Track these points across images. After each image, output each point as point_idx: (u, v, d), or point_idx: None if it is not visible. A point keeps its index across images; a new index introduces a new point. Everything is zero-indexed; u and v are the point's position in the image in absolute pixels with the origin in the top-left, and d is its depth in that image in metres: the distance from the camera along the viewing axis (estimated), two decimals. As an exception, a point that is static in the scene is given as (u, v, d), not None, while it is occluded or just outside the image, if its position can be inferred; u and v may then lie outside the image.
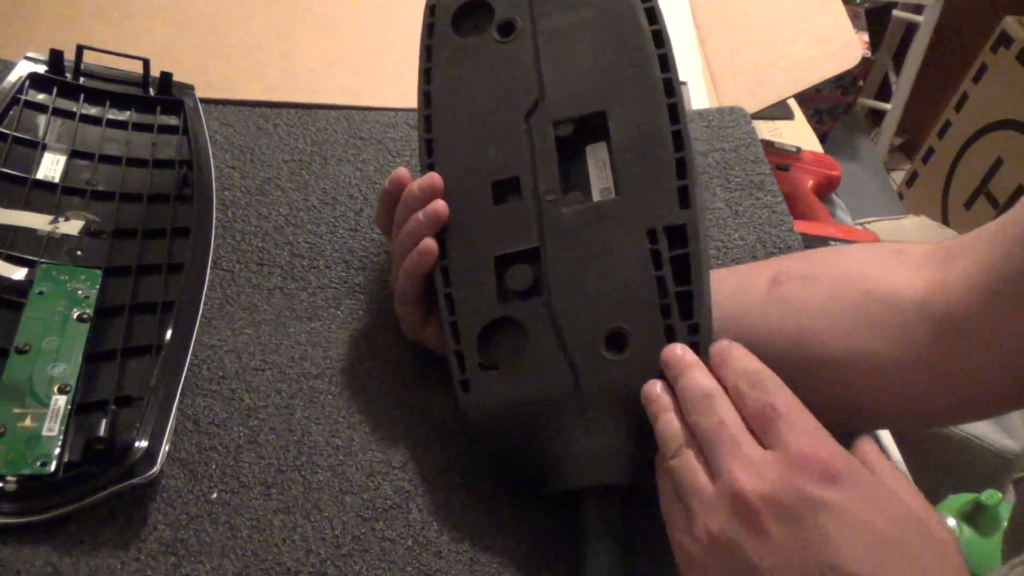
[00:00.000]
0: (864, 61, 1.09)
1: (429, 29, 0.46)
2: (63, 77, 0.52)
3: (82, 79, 0.53)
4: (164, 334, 0.41)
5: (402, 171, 0.44)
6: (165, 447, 0.36)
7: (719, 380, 0.34)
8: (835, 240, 0.72)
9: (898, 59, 1.73)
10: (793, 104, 0.89)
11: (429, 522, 0.39)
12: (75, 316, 0.40)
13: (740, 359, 0.35)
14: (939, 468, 0.82)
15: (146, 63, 0.54)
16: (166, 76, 0.54)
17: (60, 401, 0.37)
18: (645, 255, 0.38)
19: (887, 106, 1.70)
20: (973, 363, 0.36)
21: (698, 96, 0.73)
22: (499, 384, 0.39)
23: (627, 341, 0.37)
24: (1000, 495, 0.75)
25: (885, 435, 0.49)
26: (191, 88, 0.56)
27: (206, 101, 0.57)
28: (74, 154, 0.49)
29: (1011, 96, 1.46)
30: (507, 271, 0.40)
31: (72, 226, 0.44)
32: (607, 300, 0.38)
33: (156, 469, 0.35)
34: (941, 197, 1.63)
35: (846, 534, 0.28)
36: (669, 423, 0.34)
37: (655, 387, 0.36)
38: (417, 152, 0.58)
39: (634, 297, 0.38)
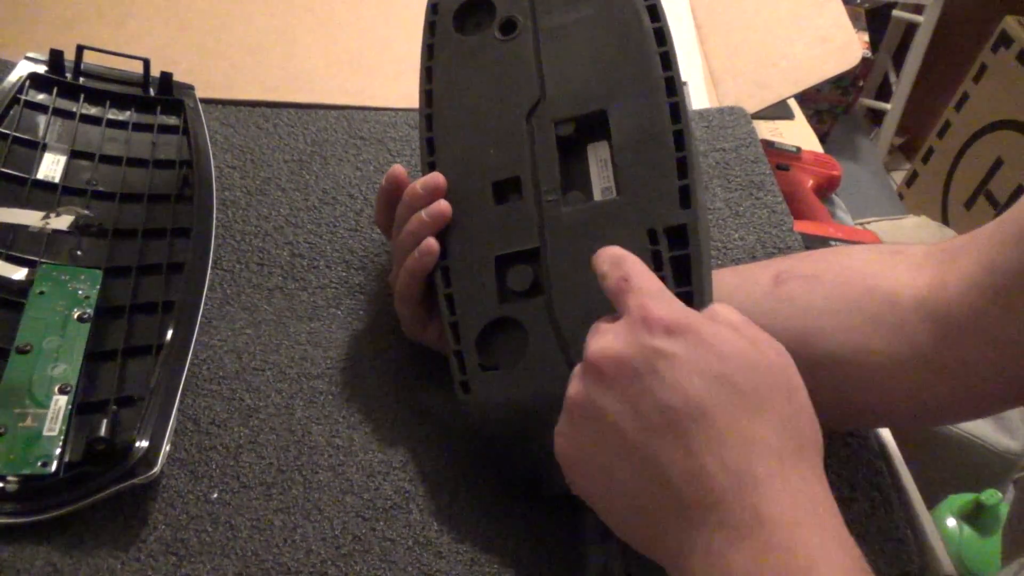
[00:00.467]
0: (864, 61, 1.09)
1: (431, 27, 0.46)
2: (63, 77, 0.52)
3: (82, 79, 0.53)
4: (165, 334, 0.41)
5: (398, 168, 0.44)
6: (166, 447, 0.36)
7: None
8: (835, 240, 0.72)
9: (898, 59, 1.73)
10: (793, 104, 0.89)
11: (430, 522, 0.39)
12: (76, 316, 0.40)
13: (607, 250, 0.36)
14: (939, 468, 0.82)
15: (146, 63, 0.54)
16: (166, 76, 0.54)
17: (61, 401, 0.37)
18: (645, 255, 0.38)
19: (887, 106, 1.71)
20: (973, 361, 0.37)
21: (698, 96, 0.73)
22: (499, 384, 0.39)
23: None
24: (1000, 495, 0.75)
25: (886, 435, 0.49)
26: (191, 88, 0.56)
27: (206, 101, 0.57)
28: (74, 154, 0.49)
29: (1011, 96, 1.46)
30: (508, 271, 0.40)
31: (63, 221, 0.44)
32: (607, 301, 0.38)
33: (157, 469, 0.35)
34: (941, 197, 1.63)
35: (678, 375, 0.30)
36: None
37: None
38: (415, 151, 0.58)
39: None
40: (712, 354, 0.31)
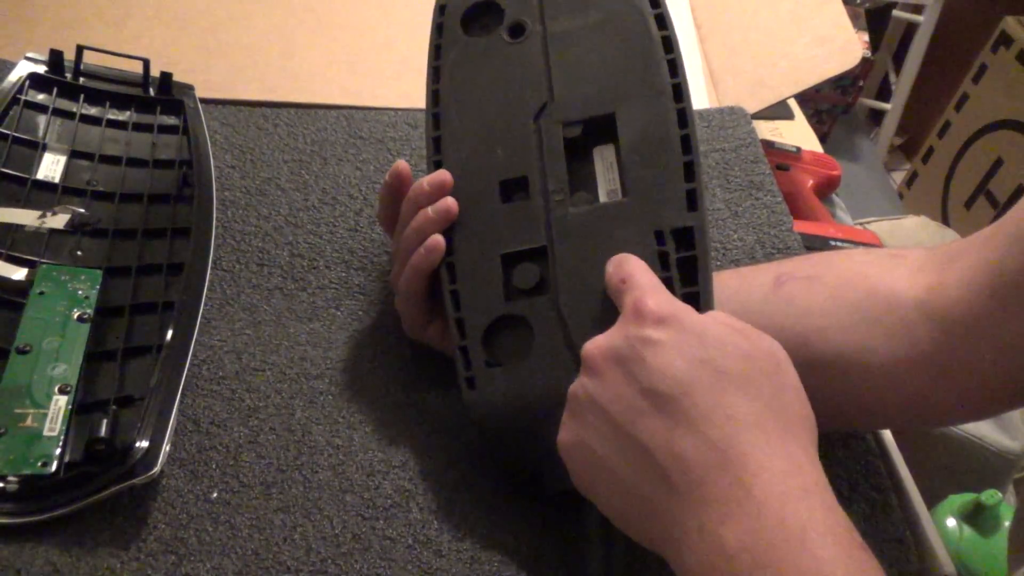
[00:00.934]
0: (864, 61, 1.09)
1: (439, 28, 0.46)
2: (63, 77, 0.52)
3: (82, 79, 0.53)
4: (164, 334, 0.41)
5: (402, 164, 0.44)
6: (166, 447, 0.36)
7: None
8: (835, 240, 0.72)
9: (898, 59, 1.73)
10: (793, 104, 0.89)
11: (429, 521, 0.39)
12: (76, 316, 0.40)
13: (618, 255, 0.37)
14: (939, 468, 0.82)
15: (146, 63, 0.54)
16: (166, 76, 0.54)
17: (61, 401, 0.37)
18: (652, 256, 0.38)
19: (887, 106, 1.70)
20: (973, 362, 0.37)
21: (698, 96, 0.73)
22: (504, 381, 0.39)
23: None
24: (1000, 495, 0.75)
25: (885, 435, 0.49)
26: (191, 88, 0.56)
27: (206, 101, 0.57)
28: (74, 154, 0.49)
29: (1011, 96, 1.46)
30: (514, 269, 0.40)
31: (59, 220, 0.44)
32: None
33: (157, 469, 0.35)
34: (941, 197, 1.63)
35: (661, 359, 0.31)
36: None
37: None
38: (416, 151, 0.58)
39: None
40: (696, 339, 0.32)
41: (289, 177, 0.54)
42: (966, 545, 0.75)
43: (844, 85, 1.29)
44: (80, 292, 0.42)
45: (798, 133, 0.87)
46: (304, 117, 0.59)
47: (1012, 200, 1.41)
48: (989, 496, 0.74)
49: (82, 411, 0.38)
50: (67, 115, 0.51)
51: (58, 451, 0.36)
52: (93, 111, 0.52)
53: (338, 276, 0.50)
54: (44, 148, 0.48)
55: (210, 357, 0.43)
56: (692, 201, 0.39)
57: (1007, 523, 0.75)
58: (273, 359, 0.44)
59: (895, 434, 0.50)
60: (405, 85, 0.64)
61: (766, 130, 0.85)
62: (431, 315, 0.44)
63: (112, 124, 0.52)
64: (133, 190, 0.48)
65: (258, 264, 0.49)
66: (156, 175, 0.50)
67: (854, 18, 0.95)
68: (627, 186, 0.40)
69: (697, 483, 0.29)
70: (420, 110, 0.61)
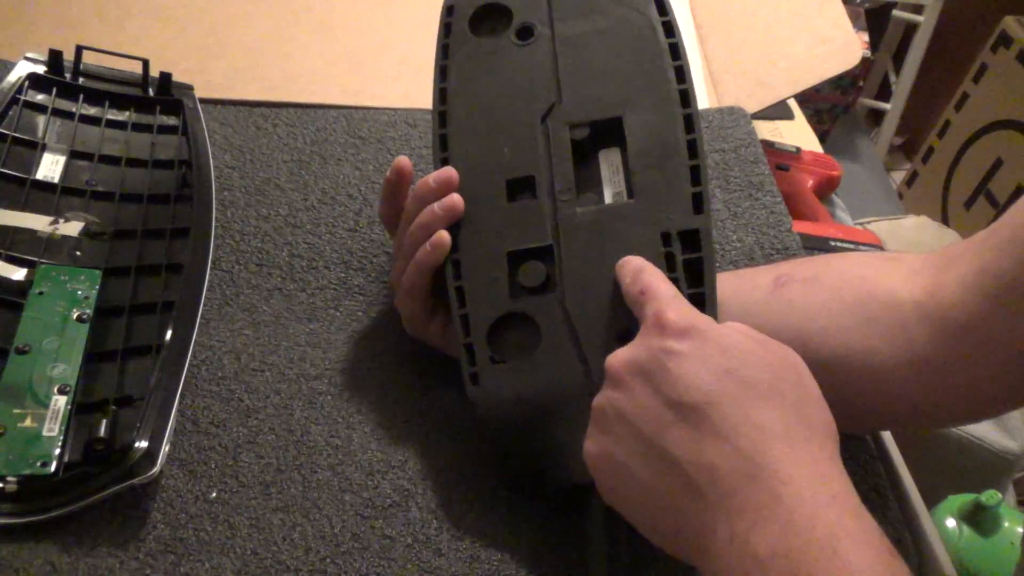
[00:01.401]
0: (864, 61, 1.09)
1: (446, 28, 0.47)
2: (62, 77, 0.52)
3: (81, 79, 0.53)
4: (164, 334, 0.41)
5: (403, 160, 0.44)
6: (165, 447, 0.36)
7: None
8: (835, 240, 0.72)
9: (898, 59, 1.73)
10: (793, 104, 0.89)
11: (429, 520, 0.39)
12: (75, 316, 0.41)
13: (629, 261, 0.38)
14: (939, 468, 0.82)
15: (145, 63, 0.54)
16: (165, 76, 0.54)
17: (60, 401, 0.37)
18: (659, 257, 0.39)
19: (887, 106, 1.70)
20: (971, 363, 0.37)
21: (698, 96, 0.73)
22: (509, 377, 0.39)
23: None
24: (1000, 495, 0.75)
25: (884, 435, 0.49)
26: (190, 88, 0.56)
27: (205, 101, 0.57)
28: (73, 154, 0.49)
29: (1011, 96, 1.46)
30: (520, 267, 0.40)
31: (72, 227, 0.44)
32: (621, 299, 0.38)
33: (156, 469, 0.35)
34: (941, 197, 1.63)
35: (686, 370, 0.31)
36: None
37: None
38: (415, 151, 0.58)
39: None
40: (719, 350, 0.32)
41: (288, 177, 0.54)
42: (966, 546, 0.75)
43: (844, 85, 1.29)
44: (79, 292, 0.42)
45: (798, 133, 0.87)
46: (303, 117, 0.59)
47: (1012, 200, 1.41)
48: (989, 496, 0.74)
49: (81, 411, 0.38)
50: (66, 115, 0.51)
51: (57, 451, 0.36)
52: (92, 111, 0.52)
53: (337, 276, 0.50)
54: (43, 148, 0.49)
55: (209, 357, 0.43)
56: (698, 204, 0.39)
57: (1007, 524, 0.75)
58: (272, 359, 0.44)
59: (894, 435, 0.50)
60: (404, 85, 0.64)
61: (766, 130, 0.85)
62: (432, 312, 0.44)
63: (111, 124, 0.52)
64: (132, 190, 0.48)
65: (257, 264, 0.49)
66: (155, 175, 0.50)
67: (854, 18, 0.95)
68: (633, 188, 0.41)
69: (727, 493, 0.29)
70: (419, 110, 0.61)
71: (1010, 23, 1.47)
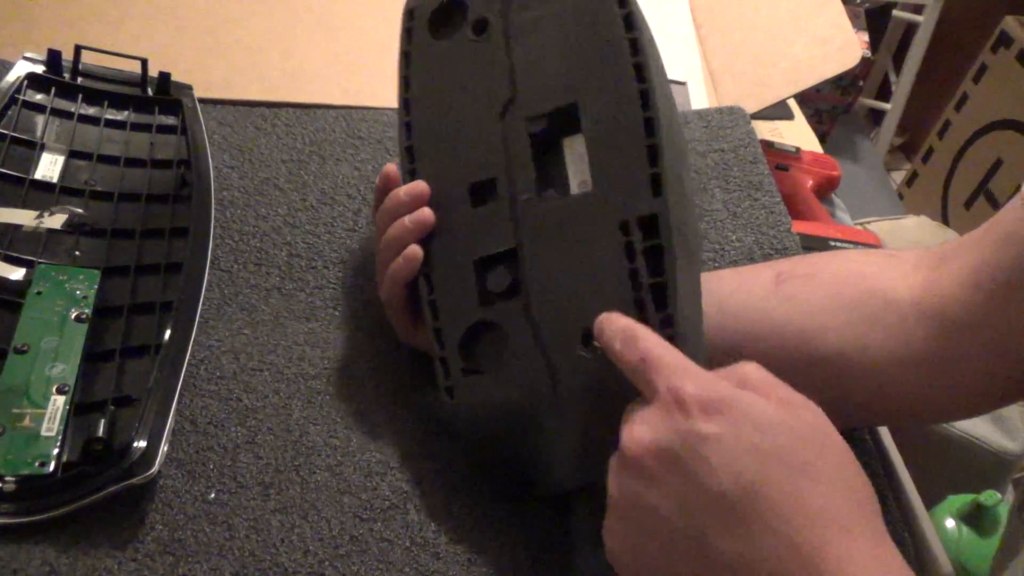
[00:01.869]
0: (864, 61, 1.09)
1: (408, 34, 0.46)
2: (61, 77, 0.52)
3: (80, 79, 0.53)
4: (163, 334, 0.41)
5: (391, 167, 0.44)
6: (163, 447, 0.36)
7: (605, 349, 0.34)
8: (835, 240, 0.71)
9: (898, 59, 1.73)
10: (793, 104, 0.89)
11: (427, 523, 0.39)
12: (73, 316, 0.40)
13: (614, 321, 0.34)
14: (939, 468, 0.82)
15: (144, 63, 0.54)
16: (164, 76, 0.54)
17: (59, 401, 0.37)
18: (619, 248, 0.37)
19: (887, 106, 1.70)
20: (967, 359, 0.37)
21: (698, 96, 0.73)
22: (482, 388, 0.38)
23: None
24: (999, 495, 0.75)
25: (884, 436, 0.49)
26: (189, 88, 0.56)
27: (204, 101, 0.56)
28: (72, 154, 0.49)
29: (1011, 96, 1.46)
30: (488, 274, 0.40)
31: (56, 220, 0.44)
32: (583, 297, 0.37)
33: (155, 470, 0.35)
34: (941, 197, 1.63)
35: (724, 458, 0.28)
36: None
37: None
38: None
39: (609, 292, 0.37)
40: (752, 427, 0.29)
41: (287, 177, 0.54)
42: (965, 546, 0.75)
43: (844, 85, 1.29)
44: (78, 292, 0.42)
45: (798, 133, 0.87)
46: (302, 117, 0.59)
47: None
48: (988, 497, 0.74)
49: (80, 411, 0.38)
50: (65, 115, 0.51)
51: (56, 451, 0.35)
52: (91, 111, 0.52)
53: (336, 276, 0.50)
54: (42, 148, 0.48)
55: (208, 357, 0.43)
56: (656, 186, 0.37)
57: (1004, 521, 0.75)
58: (271, 359, 0.44)
59: (894, 435, 0.50)
60: (404, 85, 0.64)
61: (766, 130, 0.85)
62: (416, 321, 0.43)
63: (110, 124, 0.52)
64: (131, 190, 0.48)
65: (256, 264, 0.49)
66: (154, 175, 0.50)
67: (854, 18, 0.95)
68: (594, 175, 0.39)
69: None
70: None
71: (1010, 23, 1.47)
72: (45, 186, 0.47)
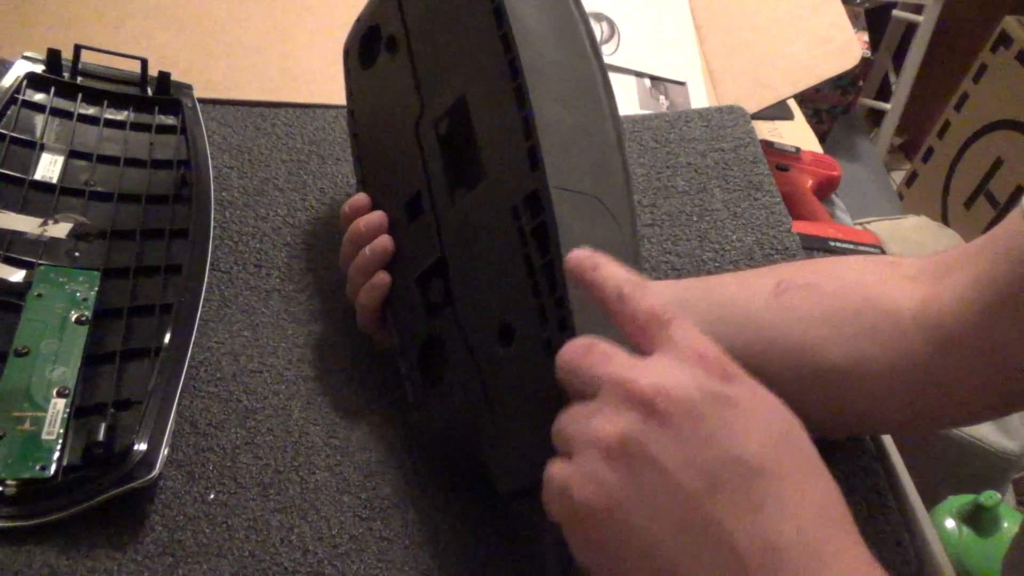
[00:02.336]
0: (864, 61, 1.09)
1: (347, 72, 0.48)
2: (61, 77, 0.52)
3: (80, 79, 0.52)
4: (163, 337, 0.41)
5: (361, 198, 0.44)
6: (164, 450, 0.36)
7: (590, 287, 0.31)
8: (835, 241, 0.71)
9: (898, 59, 1.72)
10: (793, 104, 0.89)
11: (427, 521, 0.39)
12: (74, 318, 0.40)
13: (612, 265, 0.31)
14: (939, 469, 0.82)
15: (144, 63, 0.53)
16: (164, 76, 0.54)
17: (59, 404, 0.37)
18: (514, 235, 0.35)
19: (887, 106, 1.70)
20: (965, 372, 0.37)
21: (698, 96, 0.73)
22: (437, 403, 0.39)
23: (514, 332, 0.35)
24: (1000, 496, 0.75)
25: (886, 437, 0.49)
26: (189, 88, 0.55)
27: (204, 101, 0.56)
28: (72, 154, 0.49)
29: (1011, 96, 1.46)
30: (429, 287, 0.41)
31: (61, 228, 0.44)
32: (494, 293, 0.37)
33: (155, 472, 0.35)
34: (941, 197, 1.63)
35: (748, 427, 0.27)
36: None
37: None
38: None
39: (511, 283, 0.35)
40: (769, 408, 0.28)
41: (287, 177, 0.54)
42: (965, 546, 0.75)
43: (844, 85, 1.29)
44: (78, 294, 0.42)
45: (798, 133, 0.87)
46: (302, 116, 0.59)
47: (1012, 200, 1.41)
48: (988, 497, 0.74)
49: (80, 414, 0.38)
50: (65, 115, 0.51)
51: (56, 454, 0.35)
52: (91, 111, 0.52)
53: (336, 278, 0.50)
54: (42, 148, 0.48)
55: (208, 359, 0.43)
56: (533, 160, 0.34)
57: (1006, 524, 0.75)
58: (271, 361, 0.44)
59: (894, 436, 0.50)
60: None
61: (766, 130, 0.85)
62: (391, 339, 0.44)
63: (110, 124, 0.52)
64: (131, 191, 0.48)
65: (256, 265, 0.49)
66: (154, 175, 0.50)
67: (854, 18, 0.95)
68: (486, 164, 0.37)
69: (775, 572, 0.25)
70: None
71: (1010, 23, 1.47)
72: (45, 187, 0.47)
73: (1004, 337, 0.36)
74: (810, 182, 0.81)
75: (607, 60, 0.56)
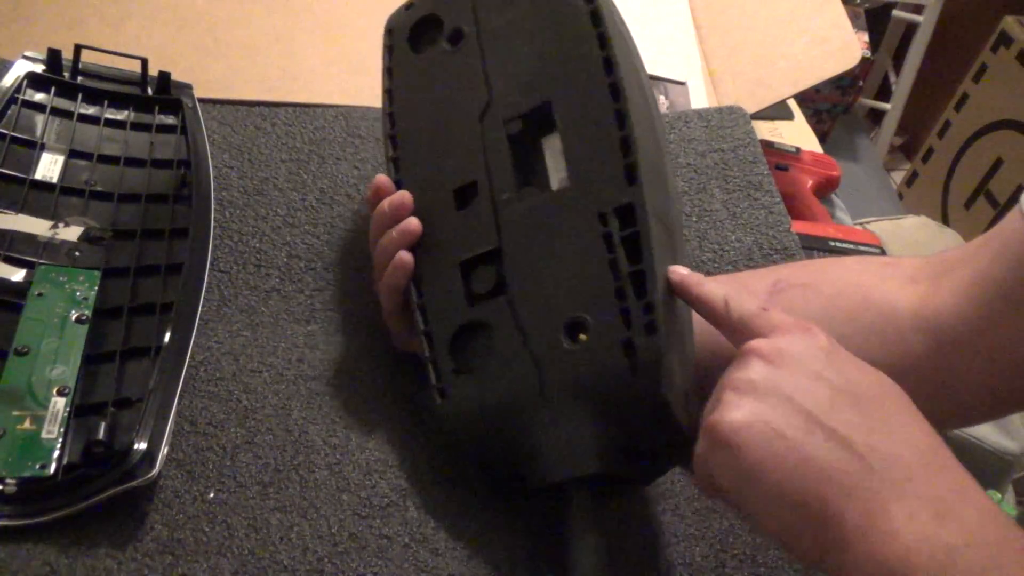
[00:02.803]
0: (864, 61, 1.09)
1: (389, 51, 0.48)
2: (61, 76, 0.52)
3: (80, 78, 0.52)
4: (163, 336, 0.41)
5: (382, 179, 0.44)
6: (164, 449, 0.36)
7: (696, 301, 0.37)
8: (834, 240, 0.71)
9: (898, 59, 1.73)
10: (793, 104, 0.89)
11: (426, 519, 0.39)
12: (74, 318, 0.40)
13: (710, 282, 0.37)
14: (938, 468, 0.82)
15: (144, 62, 0.54)
16: (164, 75, 0.54)
17: (59, 403, 0.37)
18: (598, 240, 0.38)
19: (887, 106, 1.70)
20: (963, 371, 0.37)
21: (698, 96, 0.73)
22: (472, 389, 0.39)
23: (586, 329, 0.37)
24: (1000, 495, 0.75)
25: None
26: (189, 87, 0.55)
27: (204, 101, 0.56)
28: (72, 154, 0.49)
29: (1011, 96, 1.46)
30: (473, 274, 0.41)
31: (72, 232, 0.44)
32: (564, 290, 0.38)
33: (155, 472, 0.35)
34: (941, 197, 1.63)
35: (853, 366, 0.33)
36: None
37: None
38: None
39: (589, 283, 0.38)
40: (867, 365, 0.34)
41: (287, 177, 0.54)
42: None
43: (844, 85, 1.29)
44: (78, 293, 0.42)
45: (798, 133, 0.87)
46: (302, 116, 0.59)
47: (1012, 200, 1.41)
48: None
49: (80, 413, 0.38)
50: (65, 114, 0.51)
51: (56, 453, 0.36)
52: (91, 110, 0.52)
53: (336, 278, 0.50)
54: (42, 148, 0.48)
55: (207, 358, 0.43)
56: (631, 175, 0.38)
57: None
58: (271, 360, 0.44)
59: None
60: (404, 85, 0.63)
61: (766, 130, 0.85)
62: (412, 327, 0.44)
63: (110, 123, 0.52)
64: (131, 190, 0.48)
65: (256, 265, 0.49)
66: (154, 175, 0.50)
67: (854, 18, 0.94)
68: (571, 171, 0.40)
69: (905, 478, 0.29)
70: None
71: (1010, 23, 1.47)
72: (45, 186, 0.47)
73: (1004, 335, 0.36)
74: (810, 182, 0.81)
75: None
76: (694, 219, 0.57)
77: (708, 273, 0.53)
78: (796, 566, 0.41)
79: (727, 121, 0.64)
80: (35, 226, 0.44)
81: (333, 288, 0.49)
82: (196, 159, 0.51)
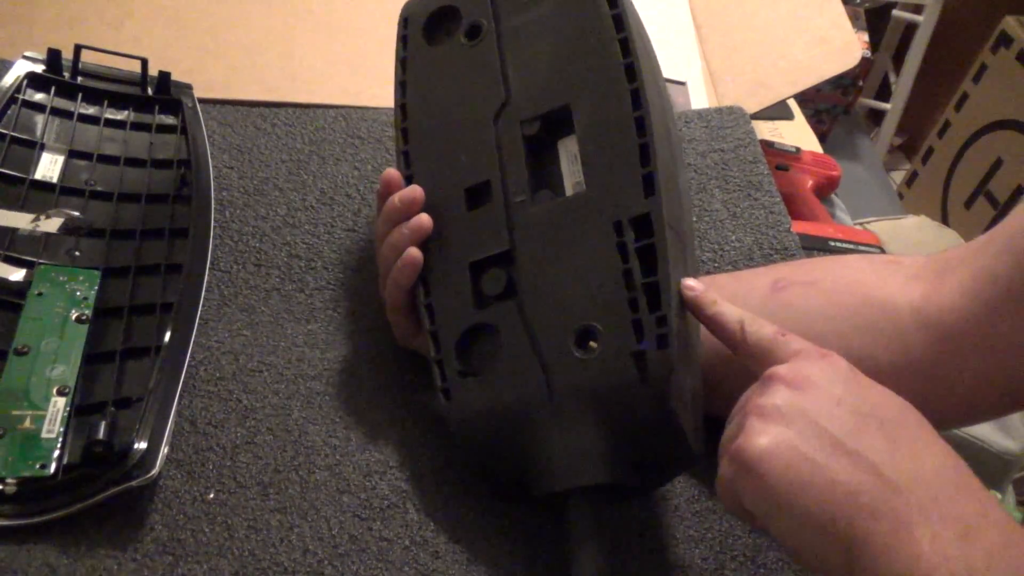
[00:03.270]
0: (864, 61, 1.09)
1: (403, 41, 0.47)
2: (61, 76, 0.52)
3: (80, 78, 0.52)
4: (163, 336, 0.41)
5: (392, 173, 0.44)
6: (164, 449, 0.36)
7: (710, 320, 0.37)
8: (835, 240, 0.71)
9: (898, 59, 1.72)
10: (793, 104, 0.89)
11: (426, 522, 0.39)
12: (74, 317, 0.40)
13: (725, 303, 0.37)
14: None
15: (144, 62, 0.54)
16: (164, 75, 0.54)
17: (59, 403, 0.37)
18: (612, 248, 0.38)
19: (887, 106, 1.70)
20: (965, 369, 0.37)
21: (698, 96, 0.73)
22: (478, 392, 0.38)
23: (596, 338, 0.37)
24: (1000, 496, 0.75)
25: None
26: (189, 87, 0.56)
27: (204, 101, 0.56)
28: (72, 154, 0.49)
29: (1011, 96, 1.46)
30: (483, 276, 0.40)
31: (52, 223, 0.44)
32: (576, 297, 0.38)
33: (155, 471, 0.35)
34: (941, 197, 1.63)
35: (874, 391, 0.33)
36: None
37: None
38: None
39: (602, 292, 0.37)
40: (888, 390, 0.33)
41: (287, 177, 0.54)
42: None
43: (844, 85, 1.29)
44: (78, 293, 0.42)
45: (798, 133, 0.87)
46: (302, 116, 0.59)
47: (1012, 200, 1.41)
48: (987, 497, 0.74)
49: (80, 413, 0.38)
50: (65, 114, 0.51)
51: (56, 453, 0.36)
52: (91, 110, 0.52)
53: (336, 277, 0.50)
54: (42, 148, 0.48)
55: (207, 358, 0.43)
56: (649, 186, 0.38)
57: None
58: (271, 360, 0.44)
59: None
60: (404, 85, 0.63)
61: (766, 130, 0.85)
62: (417, 325, 0.44)
63: (110, 123, 0.52)
64: (131, 190, 0.48)
65: (256, 265, 0.49)
66: (154, 175, 0.50)
67: (854, 18, 0.95)
68: (588, 176, 0.39)
69: (931, 497, 0.30)
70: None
71: (1010, 23, 1.47)
72: (45, 186, 0.47)
73: (1006, 333, 0.36)
74: (810, 182, 0.81)
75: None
76: (694, 219, 0.57)
77: (708, 273, 0.53)
78: (796, 568, 0.41)
79: (727, 121, 0.64)
80: (17, 219, 0.44)
81: (333, 288, 0.49)
82: (196, 159, 0.51)
